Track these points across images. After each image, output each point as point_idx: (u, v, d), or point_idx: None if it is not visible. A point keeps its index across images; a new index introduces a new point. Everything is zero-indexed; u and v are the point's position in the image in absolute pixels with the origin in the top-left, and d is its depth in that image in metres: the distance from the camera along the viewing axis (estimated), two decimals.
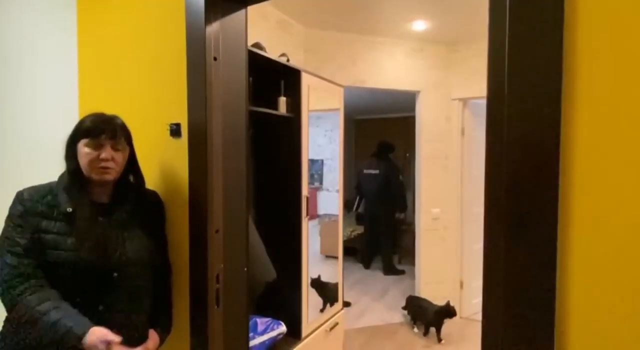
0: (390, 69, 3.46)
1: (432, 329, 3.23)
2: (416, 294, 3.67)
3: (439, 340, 3.16)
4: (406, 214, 5.09)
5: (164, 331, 1.31)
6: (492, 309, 0.84)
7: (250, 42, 1.59)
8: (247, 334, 1.56)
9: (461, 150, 3.64)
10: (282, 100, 2.02)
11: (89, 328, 1.03)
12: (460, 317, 3.54)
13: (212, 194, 1.32)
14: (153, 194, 1.37)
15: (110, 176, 1.16)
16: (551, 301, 0.76)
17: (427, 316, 3.21)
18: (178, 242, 1.38)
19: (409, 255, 4.62)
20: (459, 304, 3.56)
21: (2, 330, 1.15)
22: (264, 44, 1.99)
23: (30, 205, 1.11)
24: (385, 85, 3.47)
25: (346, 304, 3.66)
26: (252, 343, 1.76)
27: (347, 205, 5.10)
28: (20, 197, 1.13)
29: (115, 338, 1.04)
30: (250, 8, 1.45)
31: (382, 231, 4.93)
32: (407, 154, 6.09)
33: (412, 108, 3.72)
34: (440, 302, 3.23)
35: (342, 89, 2.51)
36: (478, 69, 3.45)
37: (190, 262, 1.34)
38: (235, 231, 1.43)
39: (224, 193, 1.37)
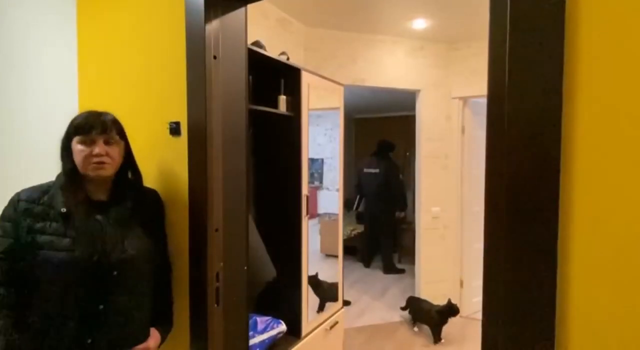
0: (390, 67, 3.45)
1: (432, 329, 3.22)
2: (416, 293, 3.67)
3: (439, 339, 3.16)
4: (406, 213, 5.10)
5: (165, 329, 1.31)
6: (493, 308, 0.84)
7: (250, 41, 1.59)
8: (247, 332, 1.56)
9: (461, 149, 3.64)
10: (282, 98, 2.01)
11: None
12: (461, 316, 3.53)
13: (212, 193, 1.32)
14: (152, 192, 1.36)
15: (106, 171, 1.15)
16: (552, 300, 0.76)
17: (431, 319, 3.18)
18: (178, 241, 1.37)
19: (409, 254, 4.62)
20: (459, 303, 3.55)
21: None
22: (264, 42, 1.99)
23: (25, 207, 1.11)
24: (386, 84, 3.46)
25: (346, 303, 3.67)
26: (251, 342, 1.76)
27: (347, 204, 5.10)
28: (14, 199, 1.14)
29: None
30: (250, 6, 1.44)
31: (382, 230, 4.93)
32: (407, 153, 6.09)
33: (412, 107, 3.72)
34: (440, 301, 3.22)
35: (342, 88, 2.51)
36: (478, 67, 3.45)
37: (190, 261, 1.34)
38: (235, 230, 1.43)
39: (224, 192, 1.36)
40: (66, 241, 1.09)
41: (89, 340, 1.10)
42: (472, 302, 3.68)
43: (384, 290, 4.35)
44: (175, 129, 1.38)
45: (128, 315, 1.17)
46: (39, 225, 1.10)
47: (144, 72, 1.48)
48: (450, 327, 3.20)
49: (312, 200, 2.22)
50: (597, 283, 0.74)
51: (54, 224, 1.10)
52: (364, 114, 6.59)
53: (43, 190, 1.15)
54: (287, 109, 2.03)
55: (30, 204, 1.12)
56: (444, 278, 3.68)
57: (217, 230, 1.34)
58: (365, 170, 4.97)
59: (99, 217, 1.15)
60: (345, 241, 2.75)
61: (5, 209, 1.14)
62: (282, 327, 1.96)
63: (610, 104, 0.72)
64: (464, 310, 3.59)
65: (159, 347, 1.27)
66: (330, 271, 2.47)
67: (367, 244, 5.25)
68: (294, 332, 2.06)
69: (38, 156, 1.72)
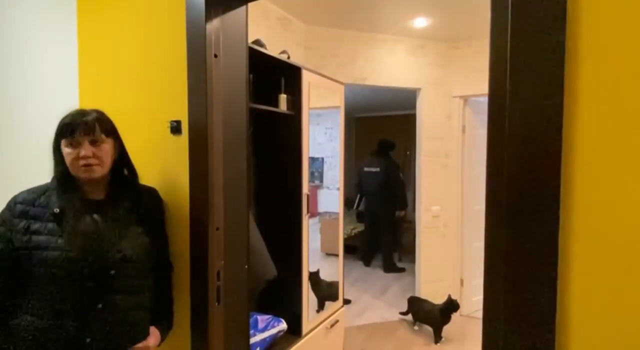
0: (390, 66, 3.45)
1: (435, 328, 3.21)
2: (417, 292, 3.67)
3: (440, 338, 3.16)
4: (406, 212, 5.09)
5: (166, 328, 1.31)
6: (493, 307, 0.84)
7: (250, 39, 1.58)
8: (248, 331, 1.57)
9: (462, 148, 3.64)
10: (283, 97, 2.01)
11: None
12: (461, 315, 3.54)
13: (213, 192, 1.32)
14: (152, 190, 1.35)
15: (96, 173, 1.14)
16: (552, 299, 0.76)
17: (434, 319, 3.17)
18: (179, 240, 1.38)
19: (410, 253, 4.62)
20: (460, 301, 3.55)
21: None
22: (264, 41, 1.99)
23: (22, 209, 1.12)
24: (386, 83, 3.46)
25: (346, 302, 3.67)
26: (252, 340, 1.77)
27: (348, 203, 5.09)
28: (11, 203, 1.14)
29: None
30: (250, 5, 1.44)
31: (383, 229, 4.93)
32: (408, 152, 6.09)
33: (413, 106, 3.71)
34: (441, 300, 3.21)
35: (342, 87, 2.50)
36: (479, 66, 3.45)
37: (191, 260, 1.34)
38: (235, 229, 1.43)
39: (225, 190, 1.36)
40: (61, 241, 1.09)
41: (88, 340, 1.09)
42: (472, 301, 3.68)
43: (384, 289, 4.36)
44: (175, 128, 1.38)
45: (127, 314, 1.16)
46: (35, 226, 1.10)
47: (145, 71, 1.48)
48: (451, 325, 3.20)
49: (313, 199, 2.22)
50: (599, 281, 0.74)
51: (50, 225, 1.10)
52: (365, 112, 6.58)
53: (40, 191, 1.15)
54: (288, 108, 2.03)
55: (27, 206, 1.12)
56: (444, 277, 3.68)
57: (218, 228, 1.34)
58: (366, 169, 4.97)
59: (96, 216, 1.15)
60: (345, 240, 2.75)
61: (2, 213, 1.15)
62: (283, 325, 1.97)
63: (613, 103, 0.72)
64: (464, 309, 3.59)
65: (159, 345, 1.27)
66: (330, 270, 2.47)
67: (367, 242, 5.26)
68: (295, 330, 2.06)
69: (39, 156, 1.72)
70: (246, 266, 1.49)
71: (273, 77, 2.03)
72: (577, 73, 0.74)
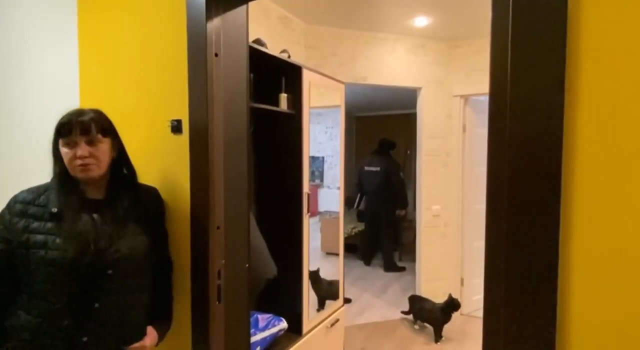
0: (391, 65, 3.44)
1: (435, 328, 3.22)
2: (417, 291, 3.68)
3: (440, 337, 3.16)
4: (407, 211, 5.09)
5: (165, 327, 1.31)
6: (493, 306, 0.84)
7: (251, 38, 1.58)
8: (249, 330, 1.57)
9: (462, 147, 3.63)
10: (283, 96, 2.01)
11: None
12: (461, 314, 3.54)
13: (214, 191, 1.32)
14: (152, 189, 1.35)
15: (93, 172, 1.13)
16: (553, 298, 0.76)
17: (435, 318, 3.17)
18: (179, 239, 1.38)
19: (410, 252, 4.62)
20: (460, 300, 3.55)
21: None
22: (265, 40, 1.98)
23: (21, 208, 1.12)
24: (387, 82, 3.46)
25: (347, 301, 3.67)
26: (253, 339, 1.77)
27: (348, 202, 5.10)
28: (10, 202, 1.15)
29: None
30: (251, 4, 1.44)
31: (383, 228, 4.93)
32: (408, 151, 6.09)
33: (413, 105, 3.71)
34: (441, 299, 3.22)
35: (343, 86, 2.50)
36: (479, 65, 3.45)
37: (191, 259, 1.34)
38: (236, 227, 1.44)
39: (225, 189, 1.37)
40: (59, 241, 1.08)
41: (84, 339, 1.09)
42: (472, 300, 3.69)
43: (384, 288, 4.36)
44: (176, 127, 1.38)
45: (124, 314, 1.16)
46: (34, 225, 1.10)
47: (145, 70, 1.48)
48: (451, 324, 3.20)
49: (313, 198, 2.22)
50: (599, 280, 0.74)
51: (48, 224, 1.10)
52: (365, 112, 6.58)
53: (40, 191, 1.15)
54: (288, 107, 2.03)
55: (27, 206, 1.12)
56: (444, 276, 3.68)
57: (218, 227, 1.34)
58: (366, 168, 4.97)
59: (95, 215, 1.15)
60: (345, 239, 2.75)
61: (1, 212, 1.15)
62: (283, 324, 1.97)
63: (613, 102, 0.72)
64: (464, 308, 3.59)
65: (157, 345, 1.27)
66: (330, 269, 2.47)
67: (367, 242, 5.26)
68: (295, 329, 2.06)
69: (38, 156, 1.73)
70: (247, 265, 1.49)
71: (273, 76, 2.03)
72: (579, 71, 0.74)
